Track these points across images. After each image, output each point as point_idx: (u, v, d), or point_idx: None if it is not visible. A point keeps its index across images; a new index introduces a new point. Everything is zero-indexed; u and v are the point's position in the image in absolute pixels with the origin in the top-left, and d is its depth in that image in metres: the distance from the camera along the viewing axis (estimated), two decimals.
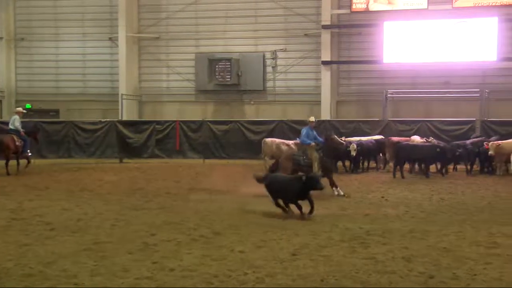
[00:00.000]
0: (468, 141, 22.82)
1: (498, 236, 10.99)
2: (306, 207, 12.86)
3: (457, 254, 9.60)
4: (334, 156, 18.61)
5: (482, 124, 25.75)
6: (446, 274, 8.41)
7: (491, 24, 27.75)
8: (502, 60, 27.83)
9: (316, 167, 16.47)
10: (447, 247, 10.06)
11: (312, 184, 12.88)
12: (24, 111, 24.87)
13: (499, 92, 28.07)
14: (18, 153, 22.22)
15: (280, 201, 13.33)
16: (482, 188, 18.17)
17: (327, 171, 16.53)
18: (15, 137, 21.94)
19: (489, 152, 21.28)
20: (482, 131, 25.12)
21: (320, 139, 17.37)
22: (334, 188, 16.39)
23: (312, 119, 18.06)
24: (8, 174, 21.42)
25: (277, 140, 24.52)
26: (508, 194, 16.97)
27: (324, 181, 14.56)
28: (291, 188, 12.98)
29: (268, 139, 24.64)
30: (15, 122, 22.28)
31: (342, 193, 16.25)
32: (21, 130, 22.26)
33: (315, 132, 17.67)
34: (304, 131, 17.46)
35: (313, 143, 17.08)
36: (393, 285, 7.91)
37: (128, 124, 29.18)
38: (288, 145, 24.07)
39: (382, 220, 12.76)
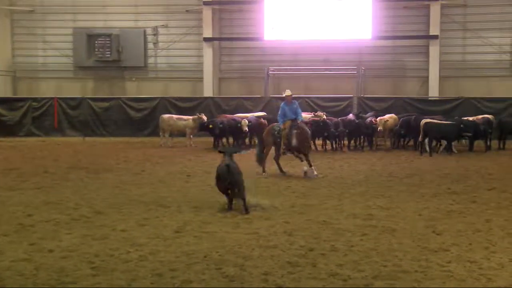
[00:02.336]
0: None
1: (373, 208, 11.48)
2: None
3: (335, 226, 9.94)
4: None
5: (359, 100, 26.72)
6: (325, 246, 8.69)
7: (366, 3, 28.65)
8: (376, 39, 28.87)
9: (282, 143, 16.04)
10: (326, 220, 10.38)
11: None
12: None
13: (374, 69, 29.17)
14: None
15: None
16: (359, 163, 18.89)
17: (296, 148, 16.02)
18: None
19: (378, 128, 22.19)
20: (359, 108, 26.08)
21: (300, 116, 16.31)
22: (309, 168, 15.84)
23: (287, 92, 16.51)
24: None
25: (175, 116, 24.55)
26: (383, 168, 17.76)
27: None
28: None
29: (165, 115, 24.67)
30: None
31: (315, 173, 15.70)
32: None
33: (295, 106, 16.33)
34: (280, 107, 16.47)
35: (287, 122, 16.06)
36: (275, 258, 8.07)
37: (1, 101, 27.93)
38: (186, 120, 24.07)
39: (264, 195, 12.93)
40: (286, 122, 16.21)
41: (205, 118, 23.73)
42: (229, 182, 10.99)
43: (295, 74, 29.75)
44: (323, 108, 25.75)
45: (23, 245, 8.70)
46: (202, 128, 23.63)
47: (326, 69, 29.13)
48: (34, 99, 27.77)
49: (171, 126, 24.24)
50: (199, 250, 8.45)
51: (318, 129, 21.73)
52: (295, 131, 15.98)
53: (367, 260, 8.03)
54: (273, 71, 29.56)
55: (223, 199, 11.35)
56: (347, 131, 22.34)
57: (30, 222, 10.20)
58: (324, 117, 22.70)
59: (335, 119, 22.73)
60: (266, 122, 22.35)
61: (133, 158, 19.97)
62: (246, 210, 10.87)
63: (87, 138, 26.64)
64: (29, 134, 27.30)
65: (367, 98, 27.05)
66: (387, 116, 23.06)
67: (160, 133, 24.56)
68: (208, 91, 29.49)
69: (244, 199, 11.00)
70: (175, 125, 24.25)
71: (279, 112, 16.51)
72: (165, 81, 30.74)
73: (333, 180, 15.22)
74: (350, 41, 29.03)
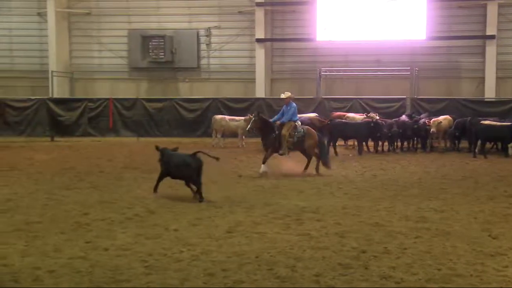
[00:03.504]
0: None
1: (426, 211, 11.31)
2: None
3: (388, 229, 9.84)
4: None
5: (412, 101, 26.37)
6: (377, 249, 8.61)
7: (421, 3, 28.26)
8: (431, 39, 28.44)
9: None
10: (378, 222, 10.29)
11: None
12: None
13: (428, 70, 28.74)
14: None
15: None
16: (412, 165, 18.65)
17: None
18: None
19: (431, 129, 21.86)
20: (412, 109, 25.74)
21: (286, 118, 16.51)
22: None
23: (285, 94, 17.08)
24: None
25: (227, 117, 24.72)
26: (437, 169, 17.48)
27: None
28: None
29: (218, 116, 24.86)
30: None
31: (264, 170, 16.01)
32: None
33: (288, 108, 16.63)
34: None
35: (278, 122, 16.63)
36: (326, 260, 8.04)
37: (59, 101, 28.55)
38: (238, 121, 24.21)
39: (315, 196, 12.94)
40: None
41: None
42: (198, 170, 12.26)
43: (347, 74, 29.56)
44: (375, 109, 25.48)
45: (79, 243, 8.88)
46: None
47: (378, 70, 28.88)
48: (90, 100, 28.31)
49: (224, 126, 24.41)
50: (251, 251, 8.48)
51: (371, 130, 21.54)
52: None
53: (421, 263, 7.93)
54: (325, 72, 29.44)
55: (274, 200, 11.33)
56: (400, 131, 22.08)
57: (86, 220, 10.41)
58: (377, 117, 22.52)
59: (389, 120, 22.49)
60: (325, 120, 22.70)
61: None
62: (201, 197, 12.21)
63: (141, 139, 27.00)
64: (85, 134, 27.80)
65: (421, 99, 26.65)
66: (441, 118, 22.69)
67: (213, 134, 24.74)
68: (260, 92, 29.54)
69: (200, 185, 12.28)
70: (227, 126, 24.41)
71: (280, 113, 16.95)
72: (217, 82, 30.95)
73: (385, 182, 15.06)
74: (403, 41, 28.67)
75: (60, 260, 8.05)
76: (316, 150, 16.59)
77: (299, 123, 16.97)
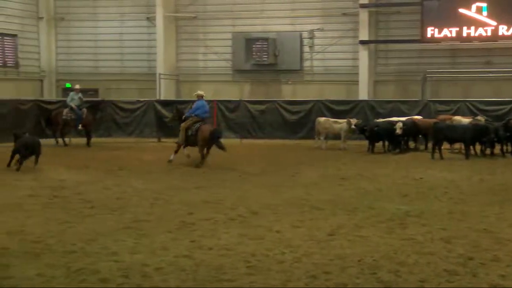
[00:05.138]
0: None
1: None
2: None
3: (497, 235, 9.50)
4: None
5: None
6: (486, 256, 8.32)
7: None
8: None
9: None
10: (487, 229, 9.96)
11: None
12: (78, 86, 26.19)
13: None
14: (70, 127, 25.23)
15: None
16: None
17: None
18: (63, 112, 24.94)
19: None
20: None
21: (190, 111, 19.46)
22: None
23: (195, 94, 19.81)
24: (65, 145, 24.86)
25: (330, 119, 24.71)
26: None
27: None
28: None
29: (322, 118, 24.87)
30: (68, 97, 25.56)
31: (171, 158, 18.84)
32: (73, 105, 24.98)
33: (196, 104, 19.38)
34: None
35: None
36: (431, 265, 7.87)
37: (166, 103, 29.32)
38: (341, 123, 24.19)
39: (420, 201, 12.68)
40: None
41: (354, 121, 23.57)
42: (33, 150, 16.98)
43: (454, 76, 28.74)
44: (484, 112, 24.64)
45: (184, 242, 9.11)
46: (361, 132, 23.32)
47: (487, 71, 27.88)
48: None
49: (327, 129, 24.35)
50: (353, 254, 8.42)
51: (478, 133, 20.80)
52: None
53: None
54: (430, 73, 28.74)
55: (377, 203, 11.20)
56: (508, 134, 21.18)
57: (191, 220, 10.66)
58: (483, 120, 21.77)
59: (497, 123, 21.65)
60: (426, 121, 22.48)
61: (288, 160, 20.25)
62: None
63: (244, 140, 27.31)
64: None
65: None
66: None
67: (315, 136, 24.72)
68: (363, 94, 29.21)
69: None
70: (331, 128, 24.34)
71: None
72: (320, 84, 30.82)
73: (493, 187, 14.53)
74: None
75: (167, 258, 8.29)
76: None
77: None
